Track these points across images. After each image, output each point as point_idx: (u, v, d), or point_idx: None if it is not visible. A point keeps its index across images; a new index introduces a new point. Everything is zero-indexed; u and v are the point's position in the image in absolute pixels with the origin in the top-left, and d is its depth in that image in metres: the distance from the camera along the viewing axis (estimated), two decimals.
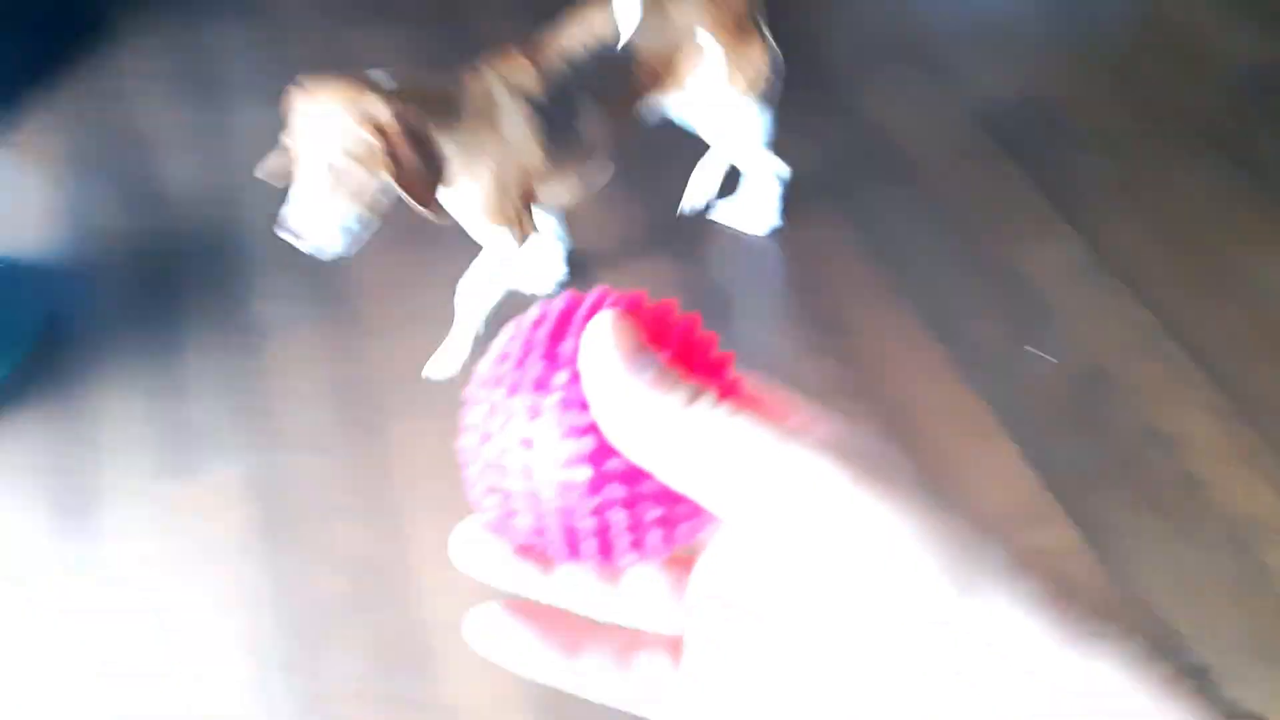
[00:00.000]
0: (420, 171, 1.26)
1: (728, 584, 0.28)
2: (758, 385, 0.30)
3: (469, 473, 0.30)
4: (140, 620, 1.36)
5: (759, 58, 1.51)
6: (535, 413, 0.28)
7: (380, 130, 1.22)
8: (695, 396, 0.27)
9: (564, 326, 0.29)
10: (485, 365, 0.30)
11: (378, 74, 1.28)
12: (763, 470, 0.26)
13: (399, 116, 1.23)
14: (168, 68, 2.19)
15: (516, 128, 1.36)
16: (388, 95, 1.24)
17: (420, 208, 1.29)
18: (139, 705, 1.28)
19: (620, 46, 1.40)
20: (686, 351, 0.29)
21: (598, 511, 0.28)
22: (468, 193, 1.37)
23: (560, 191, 1.48)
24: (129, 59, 2.21)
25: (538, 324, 0.30)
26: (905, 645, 0.25)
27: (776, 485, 0.26)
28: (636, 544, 0.29)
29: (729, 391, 0.29)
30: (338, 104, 1.22)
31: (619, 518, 0.29)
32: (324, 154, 1.23)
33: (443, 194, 1.35)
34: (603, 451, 0.28)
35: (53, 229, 1.87)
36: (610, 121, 1.45)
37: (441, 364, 1.58)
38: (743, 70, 1.50)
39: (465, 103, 1.32)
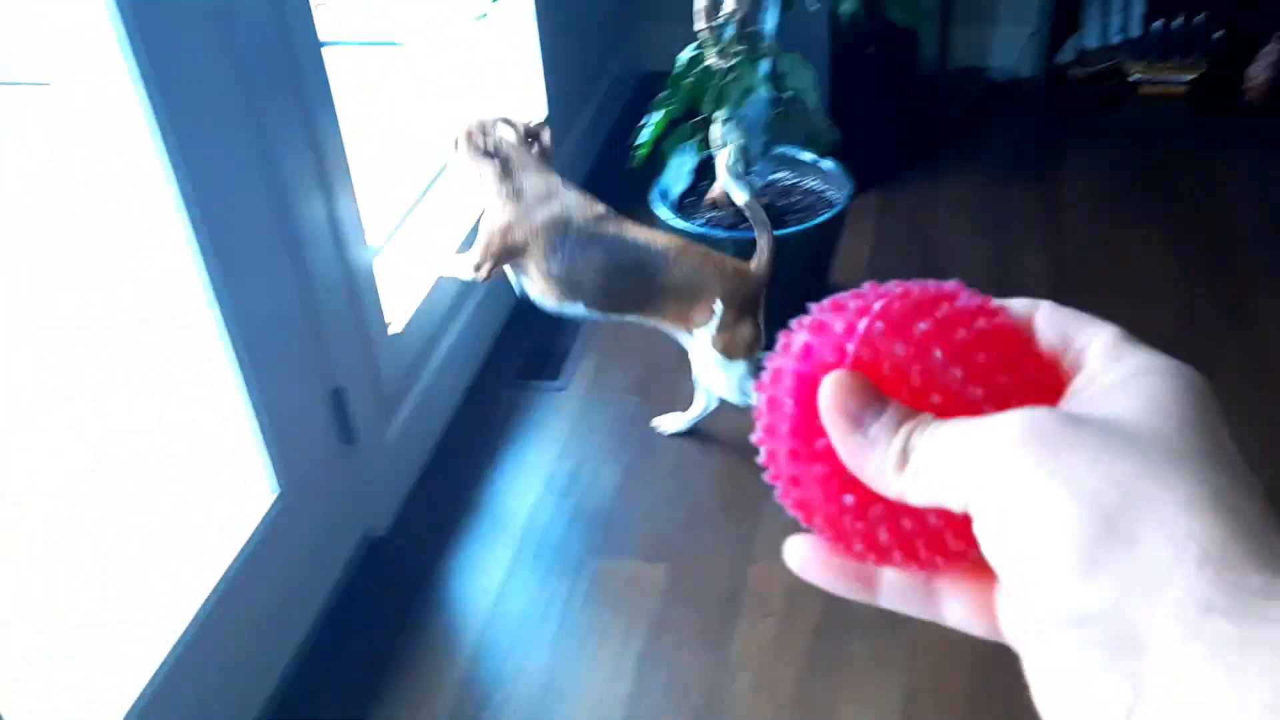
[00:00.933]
0: (464, 164, 1.94)
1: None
2: (1050, 330, 0.34)
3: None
4: None
5: (748, 334, 1.91)
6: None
7: (466, 134, 1.94)
8: (910, 431, 0.31)
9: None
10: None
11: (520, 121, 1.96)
12: (970, 472, 0.29)
13: (472, 131, 1.92)
14: (970, 202, 2.91)
15: (541, 231, 1.88)
16: (501, 126, 1.92)
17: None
18: None
19: (657, 271, 1.87)
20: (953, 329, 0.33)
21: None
22: (483, 218, 1.94)
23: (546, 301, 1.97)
24: (946, 189, 2.96)
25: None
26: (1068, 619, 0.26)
27: (977, 479, 0.29)
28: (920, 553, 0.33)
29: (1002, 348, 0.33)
30: (470, 118, 1.96)
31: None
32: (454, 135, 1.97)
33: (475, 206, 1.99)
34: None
35: (860, 269, 2.62)
36: (604, 297, 1.92)
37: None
38: (730, 338, 1.91)
39: (530, 184, 1.90)
